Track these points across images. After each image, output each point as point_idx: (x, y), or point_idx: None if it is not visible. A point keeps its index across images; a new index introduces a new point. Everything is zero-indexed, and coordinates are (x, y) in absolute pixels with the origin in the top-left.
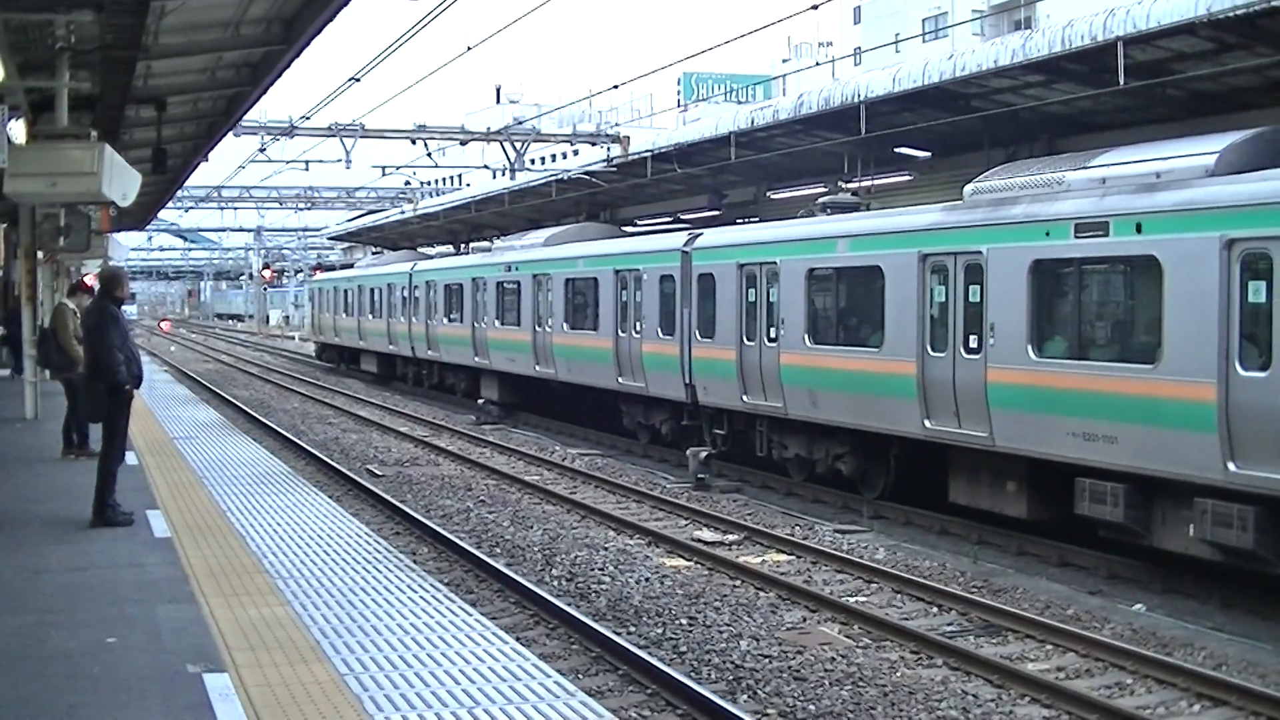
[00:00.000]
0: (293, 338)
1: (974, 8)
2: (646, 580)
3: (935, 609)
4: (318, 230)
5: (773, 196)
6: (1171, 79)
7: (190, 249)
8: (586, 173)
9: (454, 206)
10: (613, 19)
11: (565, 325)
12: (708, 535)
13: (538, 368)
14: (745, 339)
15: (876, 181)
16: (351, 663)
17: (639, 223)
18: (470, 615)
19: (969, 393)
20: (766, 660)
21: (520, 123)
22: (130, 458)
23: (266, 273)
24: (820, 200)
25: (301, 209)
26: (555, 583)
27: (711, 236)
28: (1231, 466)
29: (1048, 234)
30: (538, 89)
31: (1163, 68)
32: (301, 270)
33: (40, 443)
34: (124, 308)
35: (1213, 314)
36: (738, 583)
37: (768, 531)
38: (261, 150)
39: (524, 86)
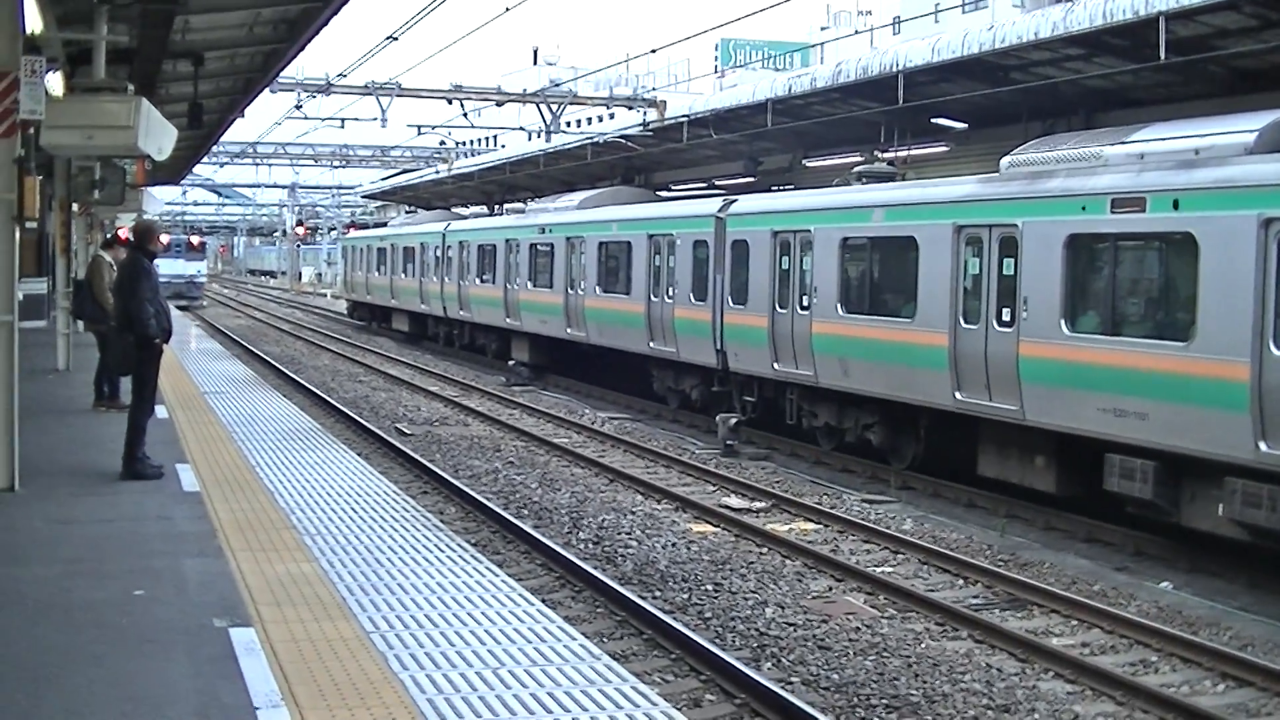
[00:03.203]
0: (325, 295)
1: None
2: (673, 545)
3: (961, 581)
4: (352, 188)
5: (808, 165)
6: (1213, 55)
7: (224, 204)
8: (622, 136)
9: (489, 167)
10: None
11: (597, 288)
12: (735, 502)
13: (569, 330)
14: (778, 306)
15: (913, 152)
16: (377, 620)
17: (673, 188)
18: (497, 576)
19: (1000, 366)
20: (791, 628)
21: (557, 85)
22: (160, 411)
23: (300, 230)
24: (856, 169)
25: (336, 167)
26: (582, 545)
27: (746, 203)
28: (1263, 446)
29: (1084, 208)
30: (575, 52)
31: (1204, 44)
32: (335, 228)
33: (72, 394)
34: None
35: (1248, 293)
36: (764, 550)
37: (795, 500)
38: (297, 107)
39: (561, 49)
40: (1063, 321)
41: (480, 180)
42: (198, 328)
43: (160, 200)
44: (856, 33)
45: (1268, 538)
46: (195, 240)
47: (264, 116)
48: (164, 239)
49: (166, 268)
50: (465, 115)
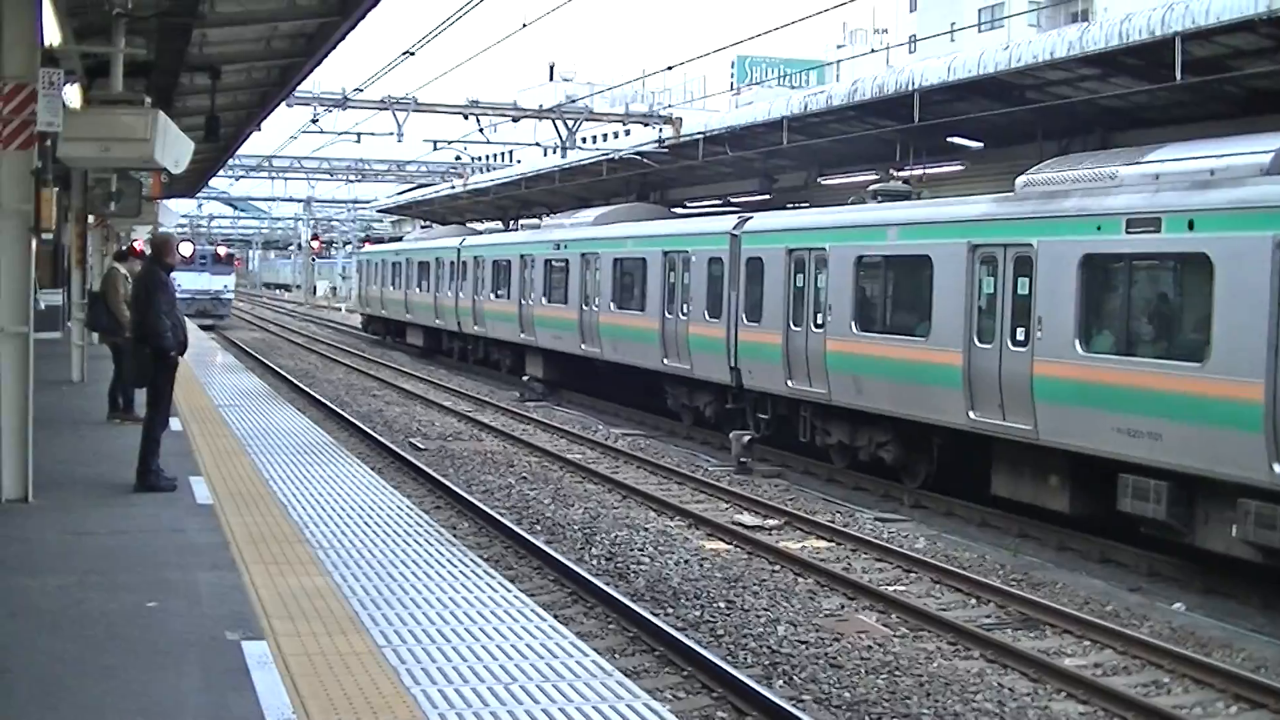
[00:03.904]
0: (339, 309)
1: None
2: (686, 562)
3: (974, 601)
4: (367, 202)
5: (823, 182)
6: (1229, 76)
7: (240, 217)
8: (638, 153)
9: (504, 183)
10: (668, 0)
11: (612, 305)
12: (748, 519)
13: (583, 346)
14: (792, 324)
15: (928, 170)
16: (390, 634)
17: (689, 204)
18: (509, 591)
19: (1015, 385)
20: (803, 646)
21: (573, 101)
22: (174, 424)
23: (315, 243)
24: (871, 188)
25: (352, 181)
26: (594, 562)
27: (761, 220)
28: (1277, 468)
29: (1099, 228)
30: (591, 68)
31: (1220, 64)
32: (350, 242)
33: (86, 406)
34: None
35: (1263, 313)
36: (777, 568)
37: (808, 517)
38: (314, 121)
39: (577, 65)
40: (1077, 341)
41: (496, 196)
42: (211, 340)
43: (176, 213)
44: (872, 51)
45: None
46: (222, 251)
47: (280, 130)
48: (187, 249)
49: (190, 282)
50: (481, 130)
